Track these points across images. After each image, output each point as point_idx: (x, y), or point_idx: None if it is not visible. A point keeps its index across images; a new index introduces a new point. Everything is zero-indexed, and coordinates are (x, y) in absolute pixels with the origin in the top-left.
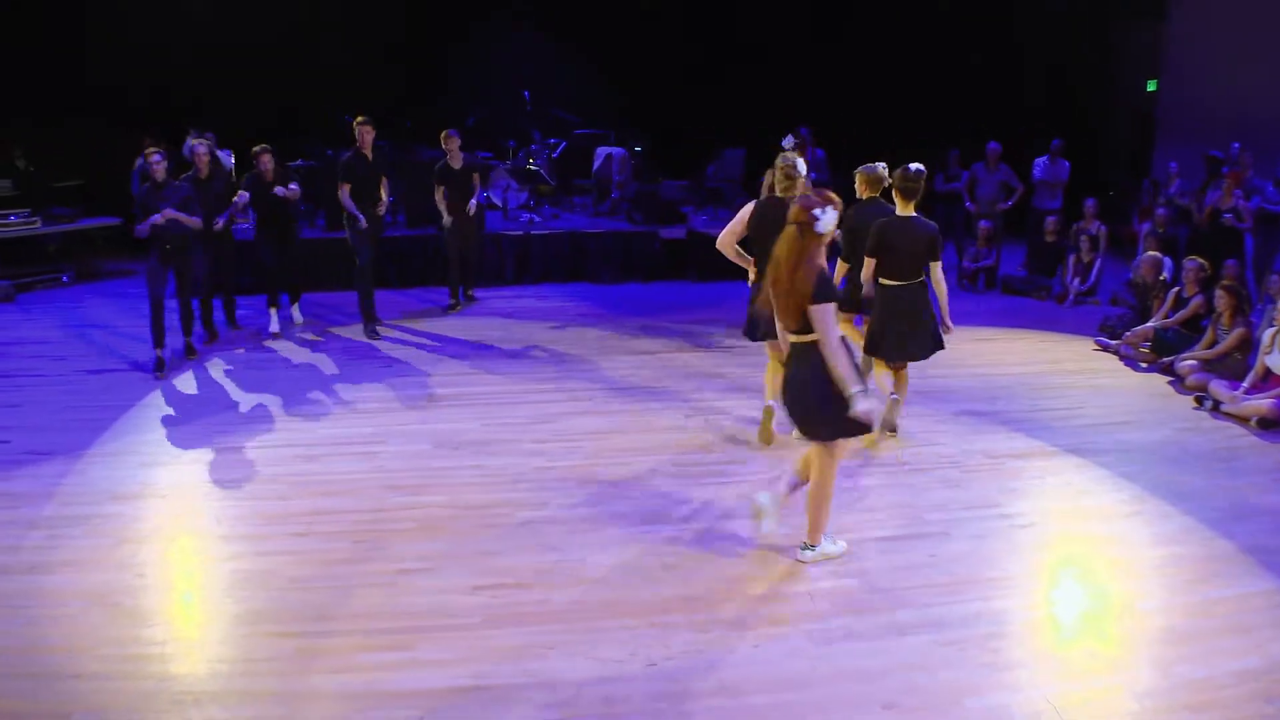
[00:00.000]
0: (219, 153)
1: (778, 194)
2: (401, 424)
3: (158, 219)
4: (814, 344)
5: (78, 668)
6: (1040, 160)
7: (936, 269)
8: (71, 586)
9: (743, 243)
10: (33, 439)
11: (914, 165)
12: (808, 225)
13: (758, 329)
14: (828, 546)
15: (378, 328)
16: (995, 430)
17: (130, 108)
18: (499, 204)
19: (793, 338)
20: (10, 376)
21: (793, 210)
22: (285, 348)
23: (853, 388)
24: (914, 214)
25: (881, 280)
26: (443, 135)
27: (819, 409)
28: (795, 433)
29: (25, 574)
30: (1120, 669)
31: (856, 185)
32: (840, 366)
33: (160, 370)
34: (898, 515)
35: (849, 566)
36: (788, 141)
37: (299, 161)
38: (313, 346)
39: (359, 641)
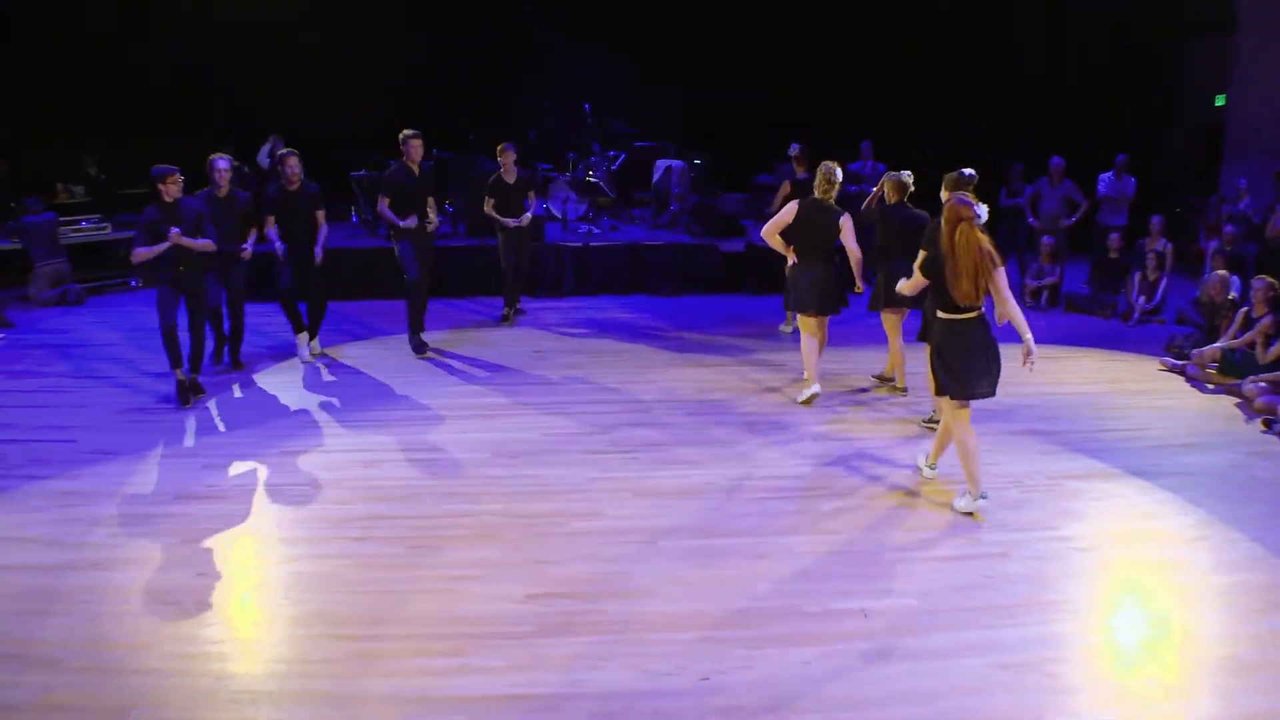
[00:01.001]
0: None
1: (817, 195)
2: (459, 432)
3: (165, 245)
4: (981, 317)
5: (138, 664)
6: (1105, 176)
7: None
8: (133, 584)
9: (785, 235)
10: (98, 439)
11: (966, 170)
12: (975, 219)
13: (834, 304)
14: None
15: (423, 345)
16: (1056, 450)
17: (199, 117)
18: (558, 215)
19: (965, 315)
20: (78, 378)
21: (956, 210)
22: (344, 357)
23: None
24: None
25: None
26: (499, 149)
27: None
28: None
29: (89, 570)
30: (1181, 697)
31: (885, 191)
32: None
33: (184, 395)
34: (955, 535)
35: (905, 586)
36: (794, 149)
37: (362, 172)
38: (372, 356)
39: (413, 646)
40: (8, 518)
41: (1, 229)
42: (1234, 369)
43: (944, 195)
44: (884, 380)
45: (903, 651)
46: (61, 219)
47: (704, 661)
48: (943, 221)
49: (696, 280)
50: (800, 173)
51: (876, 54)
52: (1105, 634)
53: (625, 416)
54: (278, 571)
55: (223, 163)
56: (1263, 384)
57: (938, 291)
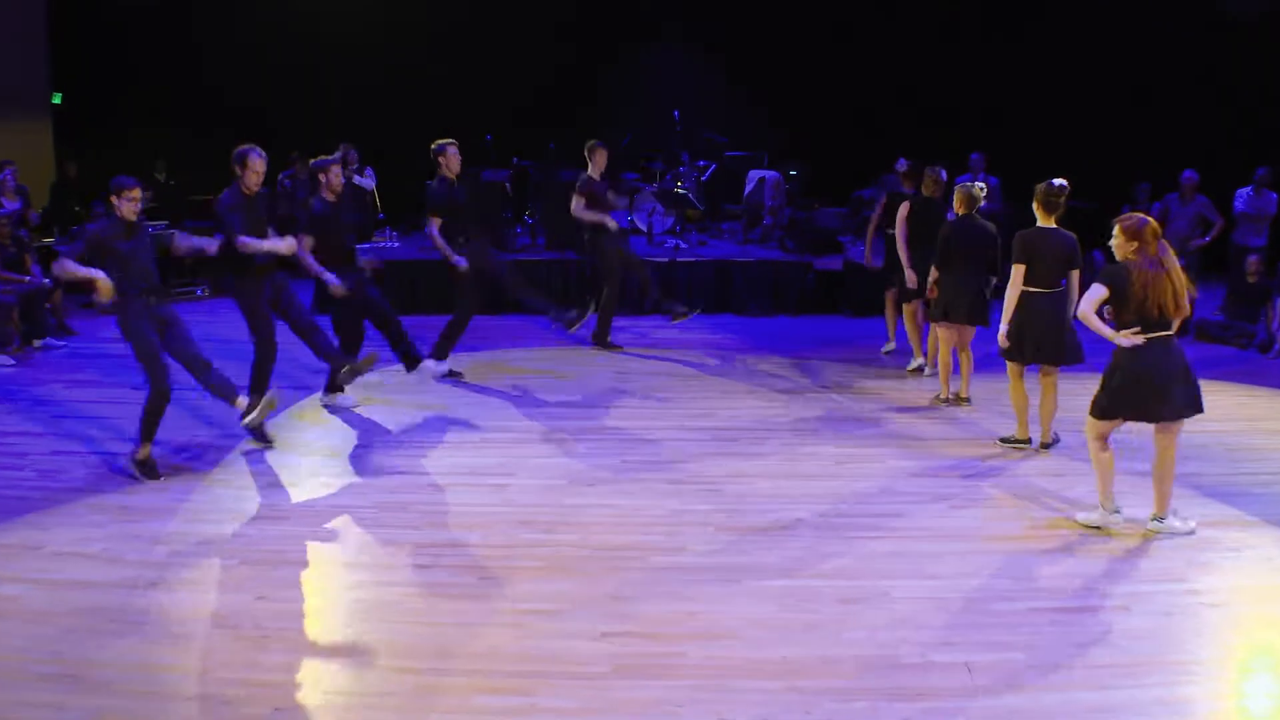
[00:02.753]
0: (358, 179)
1: (924, 194)
2: (534, 457)
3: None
4: (1172, 338)
5: (193, 689)
6: (1243, 191)
7: (1075, 276)
8: (191, 606)
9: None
10: (161, 453)
11: (1057, 180)
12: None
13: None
14: (1175, 523)
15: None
16: (1186, 495)
17: (271, 123)
18: (644, 229)
19: (1152, 334)
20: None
21: (1147, 230)
22: (418, 372)
23: None
24: (1053, 226)
25: (1025, 288)
26: (590, 145)
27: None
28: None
29: (147, 590)
30: None
31: (954, 201)
32: None
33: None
34: (1071, 585)
35: (1014, 639)
36: (900, 165)
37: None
38: (445, 375)
39: (479, 683)
40: (67, 532)
41: (68, 234)
42: None
43: (1036, 207)
44: (960, 399)
45: (1010, 711)
46: None
47: (791, 713)
48: (1132, 237)
49: (789, 300)
50: (907, 188)
51: (991, 59)
52: (1235, 699)
53: (710, 445)
54: (340, 598)
55: (256, 156)
56: None
57: (1125, 313)
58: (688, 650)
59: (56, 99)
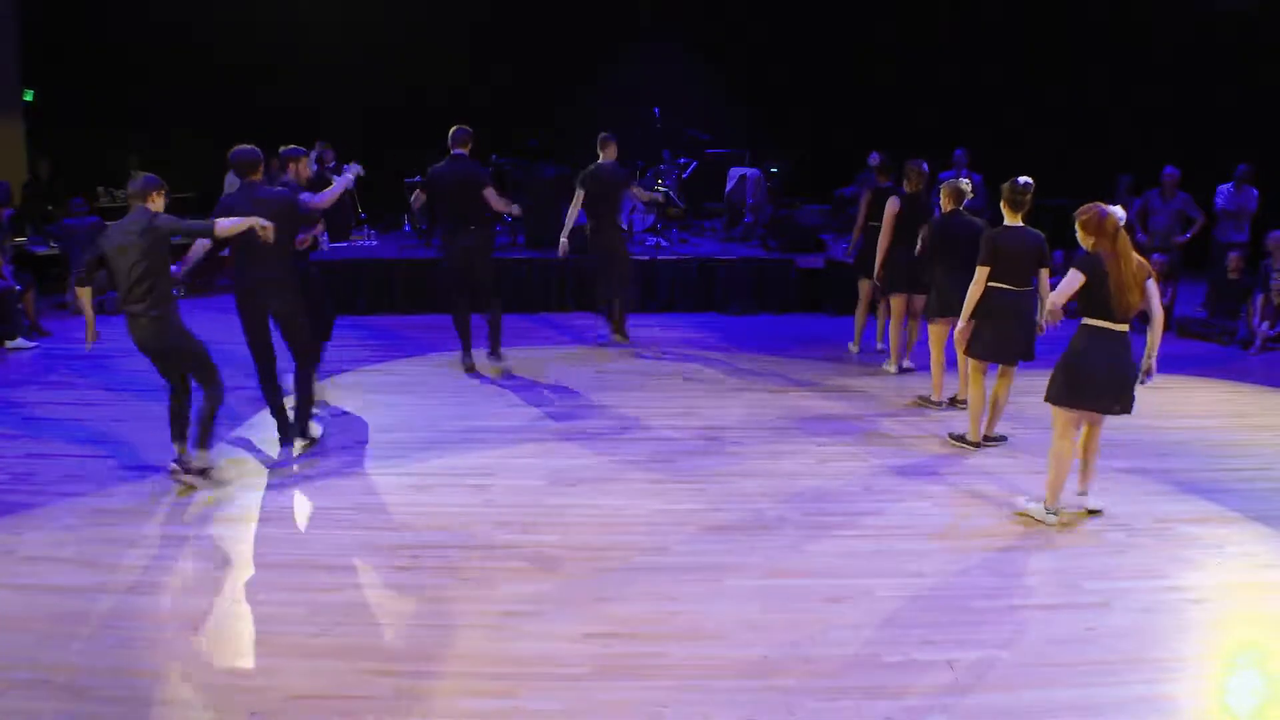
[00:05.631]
0: (336, 179)
1: (907, 190)
2: (515, 457)
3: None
4: (1129, 334)
5: (169, 694)
6: (1224, 187)
7: (1044, 275)
8: (167, 609)
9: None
10: (135, 455)
11: (1021, 179)
12: (1118, 226)
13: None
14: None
15: (473, 363)
16: (1167, 491)
17: (246, 121)
18: (624, 227)
19: (1122, 326)
20: (115, 390)
21: (1102, 222)
22: (392, 374)
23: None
24: (1020, 224)
25: (992, 284)
26: (603, 138)
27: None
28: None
29: (122, 594)
30: None
31: (941, 197)
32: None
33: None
34: (1053, 582)
35: (995, 636)
36: (873, 159)
37: (417, 178)
38: (422, 374)
39: (460, 685)
40: (40, 535)
41: (41, 233)
42: None
43: (1003, 205)
44: (957, 403)
45: (991, 709)
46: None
47: (774, 713)
48: (1091, 232)
49: (771, 298)
50: (882, 182)
51: (971, 57)
52: (1218, 696)
53: (692, 444)
54: (319, 600)
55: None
56: None
57: (1094, 301)
58: (670, 650)
59: (28, 96)
